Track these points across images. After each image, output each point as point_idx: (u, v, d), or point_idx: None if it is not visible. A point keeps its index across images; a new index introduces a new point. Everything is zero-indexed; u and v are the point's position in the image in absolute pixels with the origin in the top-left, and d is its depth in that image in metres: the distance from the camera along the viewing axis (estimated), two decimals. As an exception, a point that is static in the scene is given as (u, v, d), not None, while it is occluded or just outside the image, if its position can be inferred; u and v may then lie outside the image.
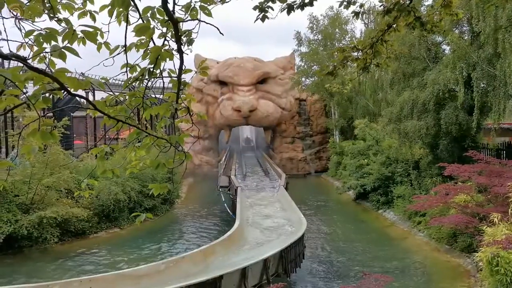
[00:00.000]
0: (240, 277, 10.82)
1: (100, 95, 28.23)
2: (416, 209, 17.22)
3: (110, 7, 2.60)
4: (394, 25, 3.94)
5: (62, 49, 2.31)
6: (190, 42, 2.75)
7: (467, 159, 16.87)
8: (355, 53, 4.15)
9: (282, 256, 12.54)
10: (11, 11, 2.52)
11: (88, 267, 15.36)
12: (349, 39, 37.78)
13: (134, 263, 14.79)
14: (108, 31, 2.65)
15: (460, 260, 14.68)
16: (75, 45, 2.41)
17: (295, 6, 3.77)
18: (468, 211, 14.41)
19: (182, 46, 2.70)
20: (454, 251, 15.36)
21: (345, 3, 4.08)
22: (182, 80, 2.87)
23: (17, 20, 2.73)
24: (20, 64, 2.39)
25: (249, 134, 52.31)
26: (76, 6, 2.82)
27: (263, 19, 3.60)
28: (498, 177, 14.52)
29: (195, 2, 2.73)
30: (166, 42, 2.69)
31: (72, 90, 2.39)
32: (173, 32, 2.66)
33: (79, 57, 2.39)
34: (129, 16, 2.64)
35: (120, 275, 10.78)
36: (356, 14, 4.23)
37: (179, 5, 2.69)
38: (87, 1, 2.68)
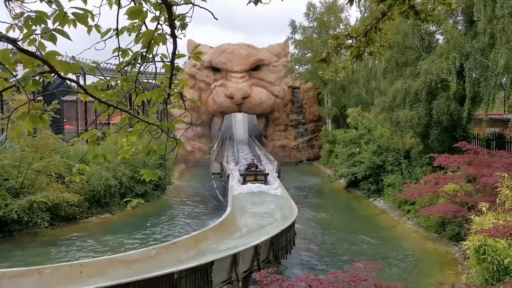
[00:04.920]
0: (231, 263, 10.89)
1: (91, 80, 27.95)
2: (406, 197, 17.40)
3: (101, -11, 2.55)
4: (389, 13, 3.92)
5: (53, 31, 2.26)
6: (183, 26, 2.71)
7: (458, 149, 17.02)
8: (349, 41, 4.13)
9: (272, 243, 12.63)
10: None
11: (79, 252, 15.37)
12: (343, 27, 37.63)
13: (125, 249, 14.82)
14: (99, 14, 2.60)
15: (448, 248, 14.92)
16: (65, 28, 2.37)
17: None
18: (457, 201, 14.60)
19: (175, 31, 2.66)
20: (442, 239, 15.59)
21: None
22: (175, 65, 2.84)
23: (6, 1, 2.68)
24: (10, 46, 2.34)
25: (242, 133, 43.95)
26: (66, -13, 2.76)
27: (256, 3, 3.55)
28: (487, 167, 14.68)
29: (189, -15, 2.69)
30: (159, 26, 2.65)
31: (62, 74, 2.36)
32: (167, 16, 2.62)
33: (70, 39, 2.34)
34: (121, -2, 2.59)
35: (111, 260, 10.81)
36: (351, 1, 4.20)
37: (172, -12, 2.65)
38: (78, -17, 2.62)
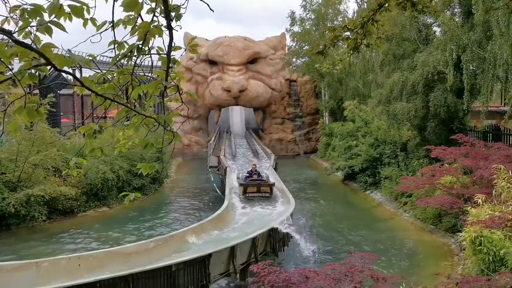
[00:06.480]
0: (228, 255, 10.94)
1: (87, 73, 27.82)
2: (402, 190, 17.49)
3: (96, -19, 2.53)
4: (386, 5, 3.91)
5: (49, 24, 2.25)
6: (178, 17, 2.69)
7: (454, 141, 17.08)
8: (346, 33, 4.12)
9: (270, 235, 12.69)
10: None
11: (77, 245, 15.39)
12: (341, 19, 37.49)
13: (123, 242, 14.85)
14: (95, 7, 2.59)
15: (445, 239, 15.02)
16: (61, 21, 2.36)
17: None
18: (453, 193, 14.67)
19: (171, 22, 2.65)
20: (439, 231, 15.69)
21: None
22: (172, 57, 2.83)
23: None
24: (5, 40, 2.33)
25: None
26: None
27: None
28: (484, 159, 14.74)
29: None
30: (155, 18, 2.64)
31: (58, 67, 2.35)
32: (162, 8, 2.61)
33: (66, 32, 2.33)
34: (116, -10, 2.57)
35: (109, 252, 10.83)
36: (348, -6, 4.19)
37: (168, -20, 2.63)
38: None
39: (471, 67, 17.57)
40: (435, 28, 21.43)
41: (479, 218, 10.28)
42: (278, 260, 13.20)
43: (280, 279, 7.32)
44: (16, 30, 2.29)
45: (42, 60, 2.24)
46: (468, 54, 17.11)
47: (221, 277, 11.05)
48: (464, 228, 10.47)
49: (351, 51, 4.15)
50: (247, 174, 18.71)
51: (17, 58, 2.27)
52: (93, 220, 18.66)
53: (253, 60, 39.80)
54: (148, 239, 12.84)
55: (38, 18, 2.27)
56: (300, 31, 38.75)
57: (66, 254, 12.39)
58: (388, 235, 16.24)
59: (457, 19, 19.12)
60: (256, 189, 17.13)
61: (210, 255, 10.26)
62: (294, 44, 39.32)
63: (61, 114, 32.64)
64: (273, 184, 17.77)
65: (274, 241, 12.80)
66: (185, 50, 3.07)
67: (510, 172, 11.98)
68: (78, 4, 2.38)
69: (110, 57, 2.93)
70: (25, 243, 15.52)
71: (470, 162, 15.06)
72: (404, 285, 7.59)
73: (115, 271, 9.15)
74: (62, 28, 2.30)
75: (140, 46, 2.68)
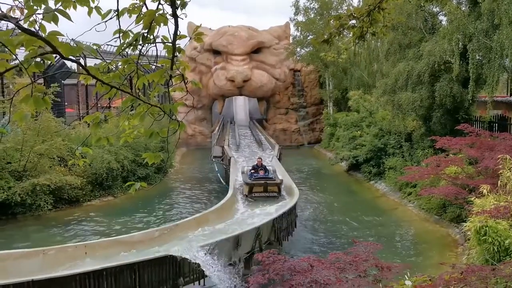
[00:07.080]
0: (233, 245, 11.00)
1: (92, 62, 27.75)
2: (407, 180, 17.45)
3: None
4: (393, -7, 3.87)
5: (55, 12, 2.24)
6: (183, 5, 2.68)
7: (460, 131, 16.99)
8: (352, 21, 4.08)
9: (274, 225, 12.73)
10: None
11: (83, 233, 15.53)
12: (345, 7, 37.15)
13: (128, 231, 14.96)
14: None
15: (449, 230, 15.02)
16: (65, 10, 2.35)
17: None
18: (458, 183, 14.63)
19: (176, 10, 2.63)
20: (443, 221, 15.69)
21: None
22: (177, 46, 2.82)
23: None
24: (10, 28, 2.33)
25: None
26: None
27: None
28: (489, 150, 14.66)
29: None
30: (160, 7, 2.63)
31: (64, 56, 2.34)
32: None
33: (71, 21, 2.33)
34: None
35: (115, 241, 10.90)
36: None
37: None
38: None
39: (477, 57, 17.40)
40: (441, 17, 21.21)
41: (484, 208, 10.26)
42: (282, 249, 13.26)
43: (284, 267, 7.36)
44: (21, 18, 2.29)
45: (48, 49, 2.24)
46: (475, 43, 16.93)
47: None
48: (469, 218, 10.46)
49: (356, 40, 4.12)
50: (252, 170, 17.00)
51: (22, 48, 2.27)
52: (98, 209, 18.80)
53: (257, 49, 39.58)
54: (153, 228, 12.93)
55: (43, 6, 2.26)
56: (304, 20, 38.44)
57: (73, 242, 12.52)
58: (392, 225, 16.26)
59: (463, 8, 18.89)
60: (262, 188, 15.74)
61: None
62: (298, 34, 39.03)
63: (66, 104, 32.68)
64: (281, 182, 16.27)
65: (278, 231, 12.85)
66: (190, 39, 3.06)
67: (515, 162, 11.91)
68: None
69: (115, 46, 2.93)
70: (31, 231, 15.68)
71: (475, 152, 14.98)
72: (408, 274, 7.62)
73: (121, 259, 9.23)
74: (67, 17, 2.29)
75: (145, 34, 2.67)
